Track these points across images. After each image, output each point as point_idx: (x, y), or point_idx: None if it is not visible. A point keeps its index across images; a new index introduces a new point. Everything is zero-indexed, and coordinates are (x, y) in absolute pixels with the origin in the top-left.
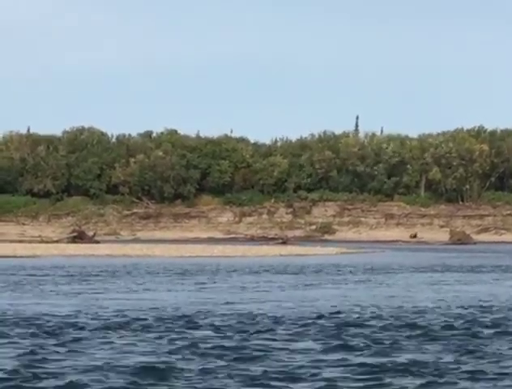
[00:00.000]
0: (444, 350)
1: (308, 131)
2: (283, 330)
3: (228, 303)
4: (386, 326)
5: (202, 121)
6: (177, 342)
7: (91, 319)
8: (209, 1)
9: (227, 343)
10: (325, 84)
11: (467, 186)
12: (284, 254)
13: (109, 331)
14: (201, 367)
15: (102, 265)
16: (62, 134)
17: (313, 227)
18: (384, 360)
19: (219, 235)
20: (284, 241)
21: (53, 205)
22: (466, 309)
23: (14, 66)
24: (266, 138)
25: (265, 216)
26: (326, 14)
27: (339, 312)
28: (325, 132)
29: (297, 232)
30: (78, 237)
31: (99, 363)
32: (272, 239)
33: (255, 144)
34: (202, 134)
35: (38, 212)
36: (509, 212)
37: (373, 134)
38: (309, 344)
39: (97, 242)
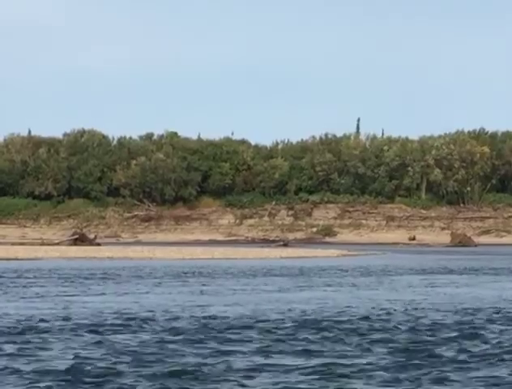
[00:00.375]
0: (381, 353)
1: (309, 134)
2: (231, 333)
3: (199, 306)
4: (338, 328)
5: (203, 124)
6: (91, 345)
7: (26, 321)
8: (210, 3)
9: (155, 346)
10: (326, 87)
11: (468, 188)
12: (285, 257)
13: (34, 333)
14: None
15: (95, 267)
16: (63, 137)
17: (314, 229)
18: (311, 364)
19: (220, 237)
20: (285, 244)
21: (54, 207)
22: (435, 312)
23: (15, 69)
24: (267, 141)
25: (266, 219)
26: (327, 17)
27: (301, 315)
28: (326, 134)
29: (298, 235)
30: (80, 240)
31: None
32: (273, 241)
33: (256, 146)
34: (203, 137)
35: (39, 215)
36: (510, 215)
37: (374, 137)
38: (248, 347)
39: (98, 245)
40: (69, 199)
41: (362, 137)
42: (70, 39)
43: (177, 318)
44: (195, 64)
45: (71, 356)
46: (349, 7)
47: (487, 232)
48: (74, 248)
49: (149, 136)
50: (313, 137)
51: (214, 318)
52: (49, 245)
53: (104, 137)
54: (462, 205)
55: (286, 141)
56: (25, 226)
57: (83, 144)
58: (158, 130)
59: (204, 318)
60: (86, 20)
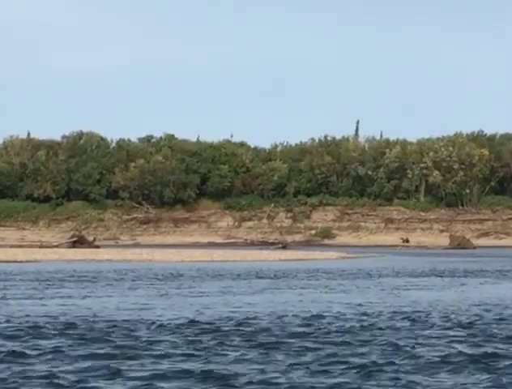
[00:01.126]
0: (257, 358)
1: (308, 136)
2: (136, 336)
3: (140, 309)
4: (247, 332)
5: (202, 126)
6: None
7: None
8: (210, 3)
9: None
10: (325, 89)
11: (467, 191)
12: (284, 259)
13: None
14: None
15: (80, 270)
16: (62, 139)
17: (313, 231)
18: (194, 367)
19: (218, 240)
20: (284, 246)
21: (53, 210)
22: (360, 314)
23: (14, 70)
24: (266, 143)
25: (265, 221)
26: (326, 19)
27: (231, 319)
28: (325, 137)
29: (297, 237)
30: (78, 242)
31: None
32: (272, 244)
33: (255, 149)
34: (201, 139)
35: (38, 217)
36: (509, 217)
37: (373, 139)
38: (138, 351)
39: (97, 247)
40: (68, 202)
41: (361, 139)
42: (69, 39)
43: (94, 322)
44: (195, 64)
45: None
46: (349, 7)
47: (486, 234)
48: (72, 250)
49: (148, 138)
50: (313, 139)
51: (119, 321)
52: (47, 247)
53: (103, 139)
54: (460, 207)
55: (285, 143)
56: (24, 228)
57: (81, 146)
58: (157, 133)
59: (125, 321)
60: (86, 20)
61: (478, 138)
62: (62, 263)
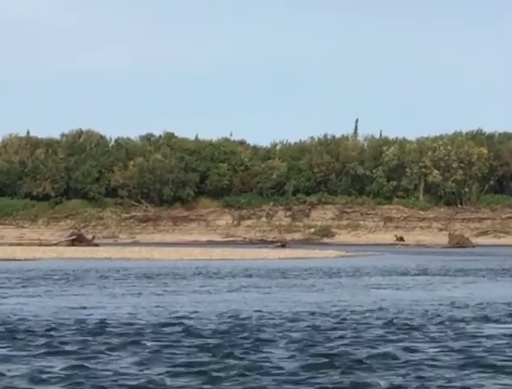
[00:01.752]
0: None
1: (307, 134)
2: (62, 337)
3: (96, 308)
4: (163, 331)
5: (201, 125)
6: None
7: None
8: (210, 3)
9: None
10: (324, 88)
11: (466, 189)
12: (283, 258)
13: None
14: None
15: (67, 269)
16: (61, 137)
17: (312, 230)
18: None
19: (217, 238)
20: (283, 245)
21: (52, 208)
22: (308, 314)
23: (14, 69)
24: (265, 142)
25: (264, 219)
26: (325, 18)
27: (180, 318)
28: (325, 135)
29: (296, 236)
30: (77, 240)
31: None
32: (271, 242)
33: (254, 147)
34: (201, 138)
35: (37, 215)
36: (508, 215)
37: (373, 138)
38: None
39: (96, 245)
40: (67, 200)
41: (360, 138)
42: (69, 39)
43: (39, 322)
44: (195, 64)
45: None
46: (349, 7)
47: (485, 233)
48: (71, 248)
49: (147, 137)
50: (312, 138)
51: (75, 321)
52: (46, 245)
53: (102, 137)
54: (460, 206)
55: (284, 142)
56: (23, 227)
57: (80, 145)
58: (156, 131)
59: (68, 320)
60: (85, 20)
61: (477, 137)
62: (61, 262)
